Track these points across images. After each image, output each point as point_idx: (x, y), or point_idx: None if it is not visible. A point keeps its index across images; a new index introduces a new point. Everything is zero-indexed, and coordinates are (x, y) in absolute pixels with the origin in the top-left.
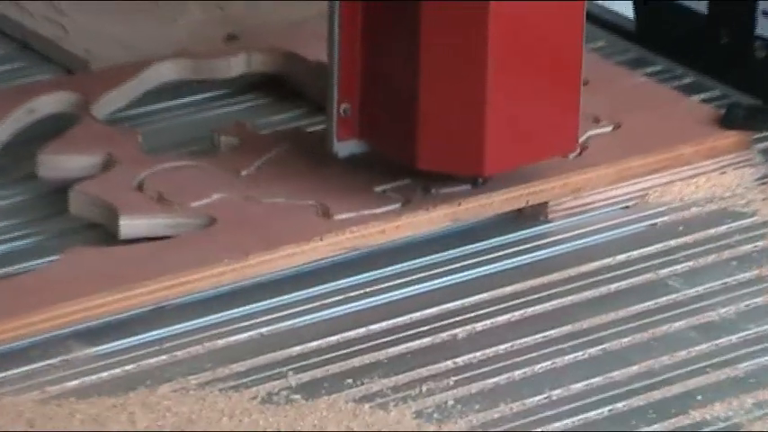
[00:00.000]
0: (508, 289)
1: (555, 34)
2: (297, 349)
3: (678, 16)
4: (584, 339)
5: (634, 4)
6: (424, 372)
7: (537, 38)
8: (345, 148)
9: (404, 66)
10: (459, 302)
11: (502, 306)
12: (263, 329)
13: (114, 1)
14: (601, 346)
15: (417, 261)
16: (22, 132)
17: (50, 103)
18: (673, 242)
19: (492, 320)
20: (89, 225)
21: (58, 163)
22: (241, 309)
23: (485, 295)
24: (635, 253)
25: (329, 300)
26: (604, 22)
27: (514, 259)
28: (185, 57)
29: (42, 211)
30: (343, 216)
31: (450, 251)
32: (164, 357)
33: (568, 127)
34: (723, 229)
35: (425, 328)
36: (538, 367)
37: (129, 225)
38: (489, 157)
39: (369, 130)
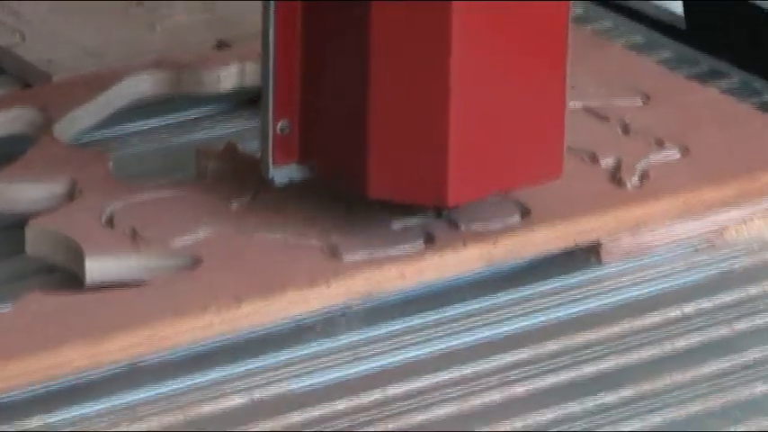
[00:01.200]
0: (552, 346)
1: (533, 40)
2: (297, 418)
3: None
4: (646, 406)
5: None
6: None
7: (510, 44)
8: (283, 173)
9: (350, 77)
10: (493, 362)
11: (545, 366)
12: (257, 393)
13: (82, 1)
14: (665, 415)
15: (443, 312)
16: None
17: (3, 122)
18: (752, 290)
19: (533, 384)
20: (48, 267)
21: (12, 193)
22: (230, 368)
23: (524, 354)
24: (706, 303)
25: (337, 358)
26: (665, 27)
27: (560, 310)
28: (166, 68)
29: None
30: (355, 257)
31: (483, 300)
32: (137, 428)
33: (551, 149)
34: None
35: (452, 392)
36: None
37: (97, 267)
38: (453, 184)
39: (312, 152)
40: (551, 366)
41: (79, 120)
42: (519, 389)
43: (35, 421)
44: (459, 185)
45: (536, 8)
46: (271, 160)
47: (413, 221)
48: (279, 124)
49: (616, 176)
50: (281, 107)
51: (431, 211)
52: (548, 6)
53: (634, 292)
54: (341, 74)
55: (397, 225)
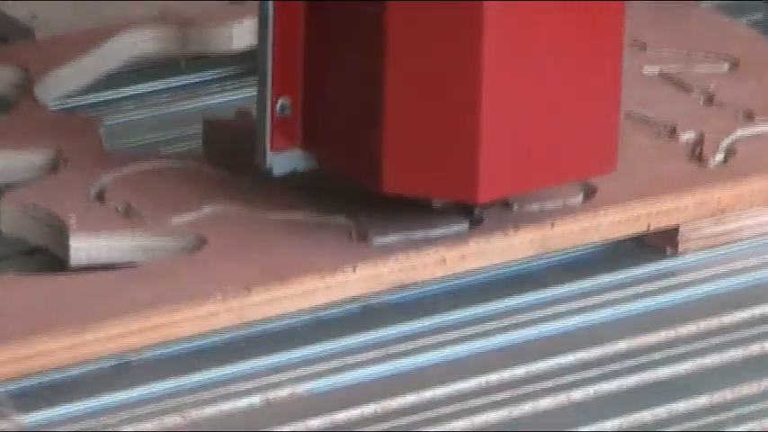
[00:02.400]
0: (621, 345)
1: (582, 25)
2: (314, 423)
3: None
4: (726, 415)
5: None
6: None
7: (554, 31)
8: (283, 162)
9: (365, 53)
10: (550, 362)
11: (611, 368)
12: (269, 394)
13: None
14: (749, 424)
15: (490, 306)
16: None
17: None
18: None
19: (596, 387)
20: (27, 248)
21: None
22: (238, 366)
23: (586, 353)
24: None
25: (362, 356)
26: None
27: (630, 306)
28: (168, 23)
29: None
30: (387, 239)
31: (537, 293)
32: (128, 431)
33: (604, 142)
34: None
35: (501, 396)
36: None
37: (84, 247)
38: (486, 177)
39: (317, 137)
40: (617, 368)
41: (65, 81)
42: (577, 394)
43: (4, 424)
44: (494, 179)
45: None
46: (268, 145)
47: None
48: (278, 102)
49: (697, 153)
50: (281, 82)
51: (460, 215)
52: None
53: (715, 287)
54: (353, 48)
55: (438, 203)
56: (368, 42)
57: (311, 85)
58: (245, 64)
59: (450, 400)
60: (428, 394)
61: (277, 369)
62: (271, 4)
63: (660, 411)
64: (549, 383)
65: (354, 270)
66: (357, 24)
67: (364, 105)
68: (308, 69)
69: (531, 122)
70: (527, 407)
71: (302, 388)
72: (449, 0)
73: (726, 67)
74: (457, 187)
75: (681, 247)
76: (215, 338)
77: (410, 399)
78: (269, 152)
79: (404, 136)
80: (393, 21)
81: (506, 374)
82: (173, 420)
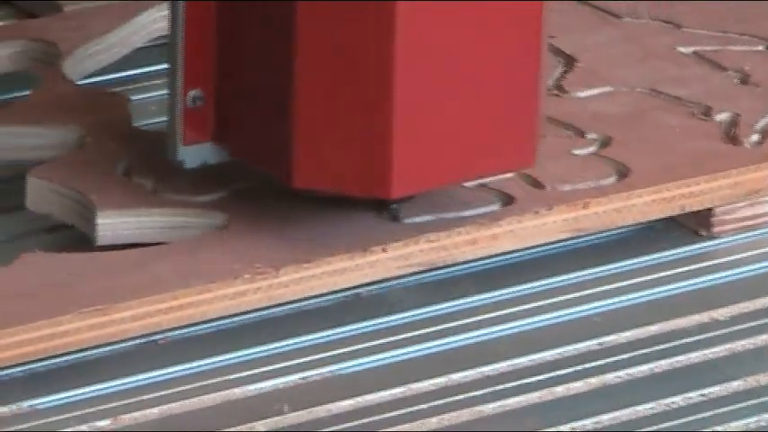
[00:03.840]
0: (653, 328)
1: (497, 18)
2: (348, 403)
3: None
4: (760, 399)
5: None
6: None
7: (469, 23)
8: (195, 155)
9: (275, 45)
10: (581, 345)
11: (643, 352)
12: (300, 375)
13: None
14: None
15: (522, 287)
16: None
17: (4, 57)
18: None
19: (629, 371)
20: (53, 225)
21: (12, 139)
22: (266, 346)
23: (618, 337)
24: None
25: (395, 338)
26: None
27: (663, 288)
28: None
29: None
30: (417, 219)
31: (570, 275)
32: (154, 412)
33: (522, 134)
34: None
35: (532, 379)
36: None
37: (110, 225)
38: (399, 173)
39: (229, 130)
40: (649, 352)
41: (94, 57)
42: (610, 377)
43: (29, 404)
44: (406, 174)
45: None
46: (179, 137)
47: (488, 179)
48: (190, 94)
49: (731, 134)
50: (192, 74)
51: (379, 210)
52: None
53: (750, 270)
54: (264, 40)
55: (470, 182)
56: (279, 34)
57: (223, 78)
58: None
59: (478, 383)
60: (456, 377)
61: (307, 350)
62: None
63: (693, 396)
64: (579, 367)
65: (385, 250)
66: (268, 16)
67: (275, 99)
68: (221, 61)
69: (444, 117)
70: (559, 390)
71: (331, 369)
72: None
73: (761, 47)
74: (369, 183)
75: (715, 230)
76: (243, 318)
77: (440, 381)
78: (180, 145)
79: (315, 130)
80: (304, 13)
81: (537, 357)
82: (200, 401)
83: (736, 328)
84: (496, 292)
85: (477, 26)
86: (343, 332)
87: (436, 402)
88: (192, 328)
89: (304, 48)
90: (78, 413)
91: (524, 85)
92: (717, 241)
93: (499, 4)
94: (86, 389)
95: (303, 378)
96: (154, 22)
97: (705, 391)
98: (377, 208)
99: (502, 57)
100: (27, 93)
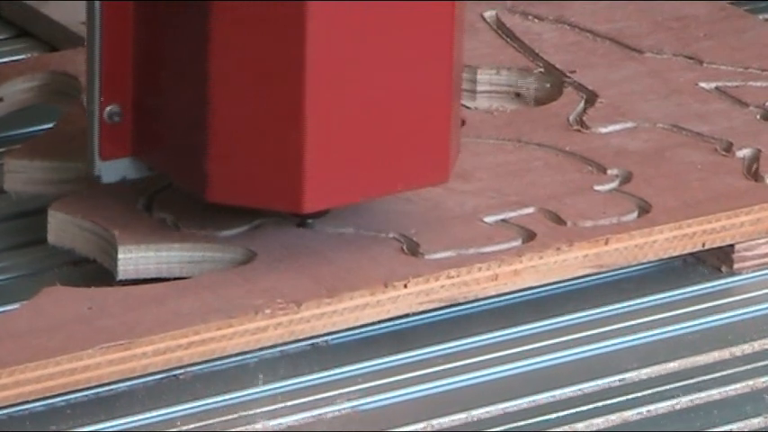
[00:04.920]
0: (673, 365)
1: (409, 34)
2: None
3: None
4: None
5: None
6: None
7: (381, 39)
8: (113, 170)
9: (189, 62)
10: (601, 382)
11: (664, 388)
12: (319, 411)
13: None
14: None
15: (543, 323)
16: None
17: (27, 89)
18: None
19: (649, 407)
20: (75, 259)
21: (34, 173)
22: (286, 382)
23: (638, 373)
24: None
25: (415, 373)
26: None
27: (683, 325)
28: None
29: (8, 238)
30: (438, 255)
31: (591, 312)
32: None
33: (436, 151)
34: None
35: (552, 415)
36: None
37: (132, 259)
38: (311, 188)
39: (147, 146)
40: (669, 389)
41: None
42: (630, 414)
43: None
44: (319, 189)
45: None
46: (97, 153)
47: (509, 214)
48: (107, 110)
49: (753, 170)
50: (110, 89)
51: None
52: None
53: None
54: (178, 56)
55: (491, 218)
56: (193, 50)
57: (141, 92)
58: None
59: (499, 420)
60: (477, 413)
61: (326, 385)
62: (98, 12)
63: None
64: (600, 404)
65: (406, 286)
66: (183, 32)
67: (190, 113)
68: (139, 76)
69: (356, 133)
70: (580, 426)
71: (353, 404)
72: (273, 1)
73: None
74: (282, 197)
75: (736, 266)
76: (264, 353)
77: (461, 416)
78: (97, 160)
79: (229, 145)
80: (217, 28)
81: (557, 393)
82: None
83: (756, 364)
84: (517, 329)
85: (390, 44)
86: (363, 368)
87: None
88: (213, 363)
89: (218, 63)
90: None
91: (437, 100)
92: (738, 278)
93: (410, 12)
94: (107, 424)
95: (323, 414)
96: None
97: (726, 428)
98: (399, 245)
99: (414, 72)
100: (49, 126)
